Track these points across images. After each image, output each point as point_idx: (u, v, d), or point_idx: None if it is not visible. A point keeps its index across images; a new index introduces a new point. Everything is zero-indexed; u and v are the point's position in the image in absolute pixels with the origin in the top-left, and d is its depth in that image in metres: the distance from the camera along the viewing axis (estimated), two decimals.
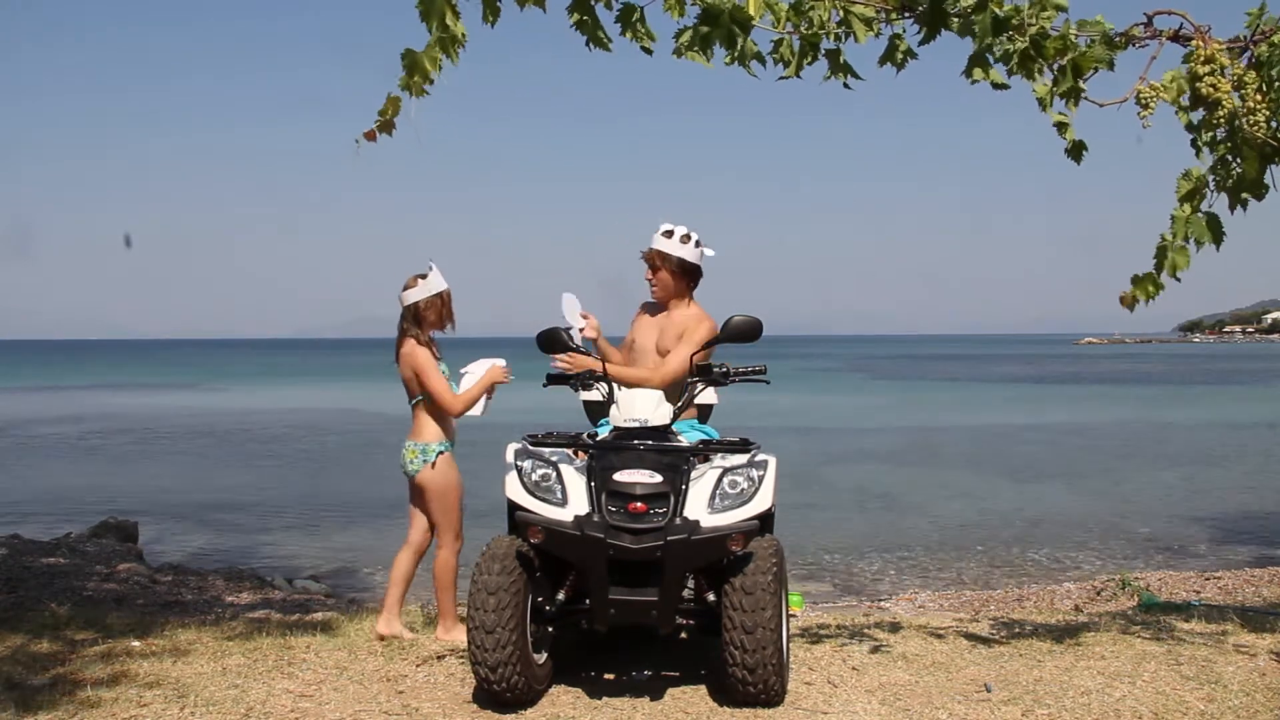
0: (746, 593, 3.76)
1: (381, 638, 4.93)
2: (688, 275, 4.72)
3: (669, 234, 4.67)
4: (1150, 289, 4.05)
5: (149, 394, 43.69)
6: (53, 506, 14.28)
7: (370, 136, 3.70)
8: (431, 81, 3.62)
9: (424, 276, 4.95)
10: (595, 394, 4.67)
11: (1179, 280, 4.04)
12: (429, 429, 4.93)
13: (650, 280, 4.74)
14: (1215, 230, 3.92)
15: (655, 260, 4.69)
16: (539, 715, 3.85)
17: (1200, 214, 3.91)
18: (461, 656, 4.53)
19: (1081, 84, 3.68)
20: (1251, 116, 3.60)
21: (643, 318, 4.86)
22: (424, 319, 4.93)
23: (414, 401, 4.96)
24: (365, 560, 10.28)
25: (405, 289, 4.94)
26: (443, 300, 4.96)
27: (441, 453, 4.91)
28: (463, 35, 3.59)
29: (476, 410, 5.01)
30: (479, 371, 5.03)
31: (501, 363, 5.04)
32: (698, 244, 4.70)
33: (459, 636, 4.84)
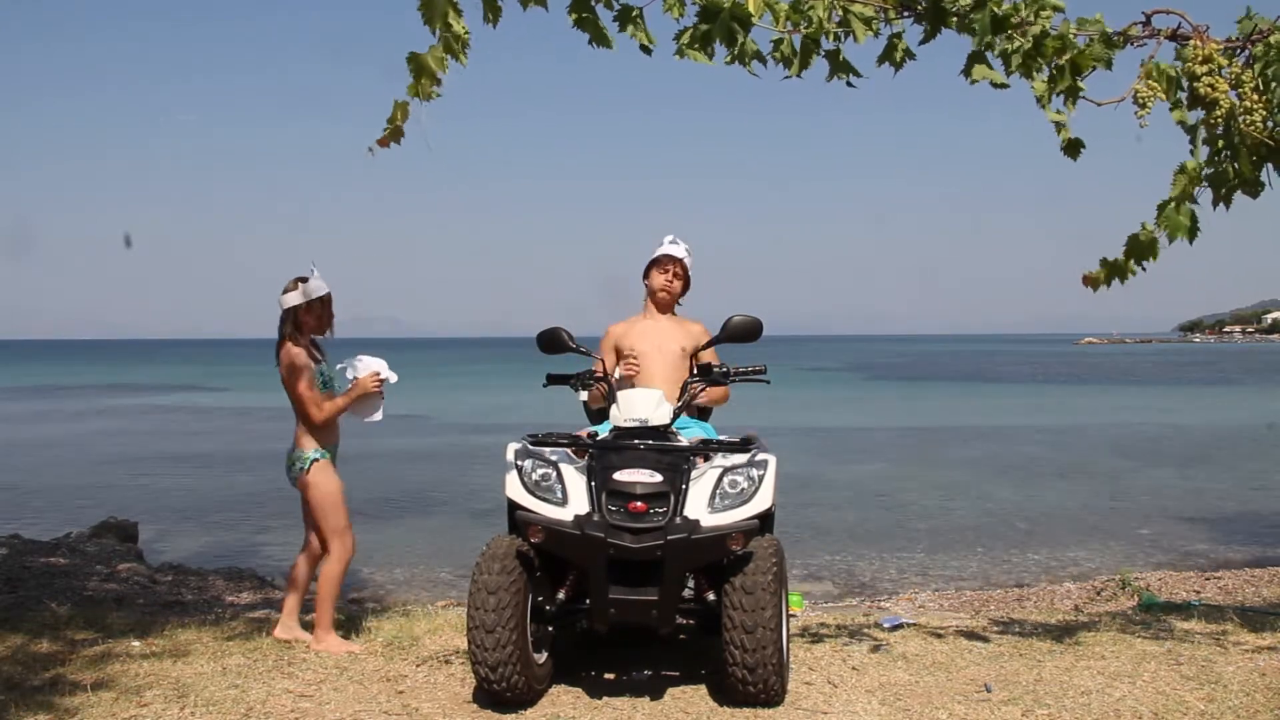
0: (746, 592, 3.76)
1: (281, 642, 4.93)
2: (689, 285, 4.97)
3: (678, 244, 4.91)
4: (1117, 274, 4.10)
5: (149, 394, 43.68)
6: (53, 506, 14.27)
7: (383, 144, 3.69)
8: (439, 83, 3.60)
9: (304, 280, 4.85)
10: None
11: (1145, 270, 4.07)
12: (305, 437, 4.87)
13: (668, 287, 4.87)
14: (1190, 226, 3.94)
15: (677, 269, 4.89)
16: (539, 715, 3.85)
17: (1177, 210, 3.92)
18: (462, 656, 4.53)
19: (1080, 83, 3.68)
20: (1248, 116, 3.60)
21: (644, 325, 4.85)
22: (303, 323, 4.84)
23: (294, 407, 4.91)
24: (364, 560, 10.27)
25: (285, 292, 4.84)
26: (323, 304, 4.87)
27: (316, 460, 4.85)
28: (466, 35, 3.58)
29: (375, 416, 4.96)
30: (361, 367, 4.95)
31: (375, 369, 4.91)
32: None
33: (330, 646, 4.80)
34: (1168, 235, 3.93)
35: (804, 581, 9.44)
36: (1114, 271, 4.12)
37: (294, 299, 4.82)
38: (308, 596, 5.13)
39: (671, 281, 4.86)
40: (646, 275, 4.92)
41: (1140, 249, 4.03)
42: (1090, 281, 4.16)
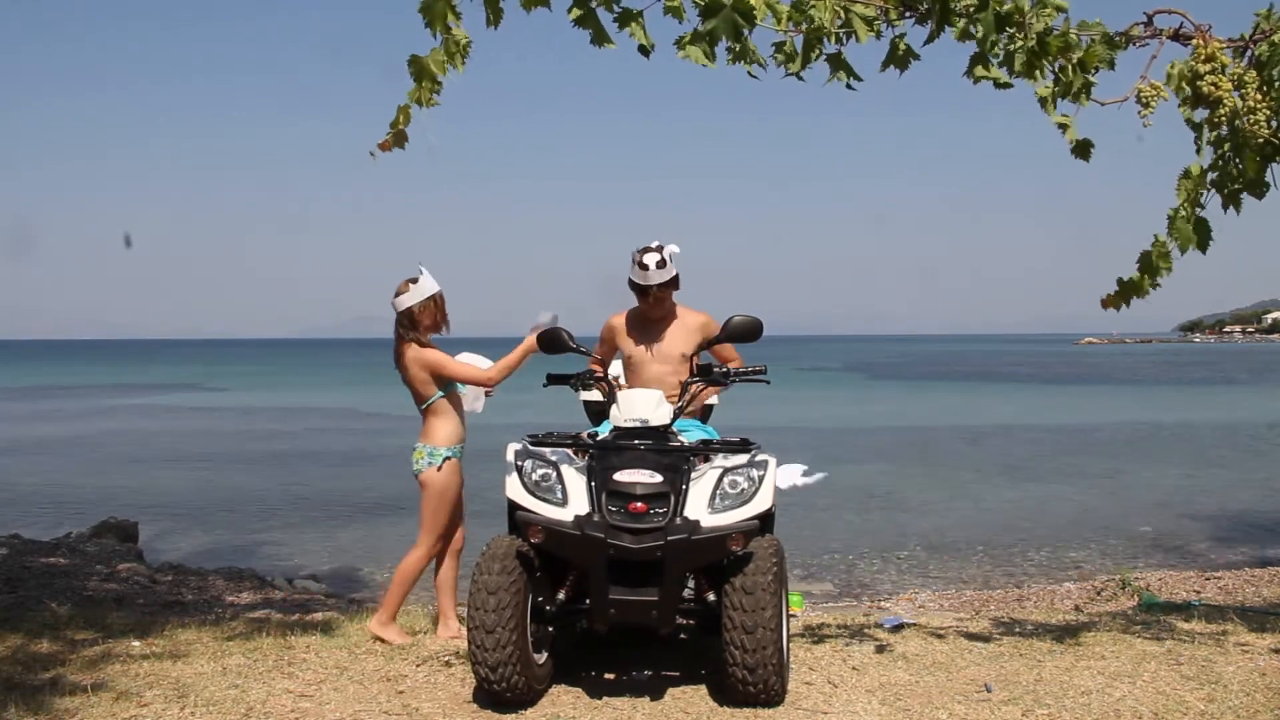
0: (747, 593, 3.75)
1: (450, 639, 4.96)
2: (677, 283, 4.69)
3: (659, 265, 4.56)
4: (1134, 293, 4.10)
5: (150, 394, 43.68)
6: (53, 506, 14.28)
7: (385, 147, 3.71)
8: (439, 88, 3.61)
9: (414, 281, 4.89)
10: (595, 394, 4.66)
11: (1160, 286, 4.08)
12: (440, 432, 4.89)
13: (650, 310, 4.69)
14: (1202, 235, 3.94)
15: (660, 292, 4.62)
16: (539, 715, 3.85)
17: (1187, 219, 3.92)
18: (462, 656, 4.53)
19: (1091, 78, 3.68)
20: (1252, 115, 3.60)
21: (643, 326, 4.81)
22: (419, 323, 4.88)
23: (424, 406, 4.92)
24: (365, 560, 10.26)
25: (397, 295, 4.89)
26: (436, 303, 4.91)
27: (449, 458, 4.87)
28: (466, 42, 3.58)
29: (477, 406, 5.01)
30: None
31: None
32: (669, 252, 4.62)
33: (391, 636, 4.87)
34: (1179, 247, 3.93)
35: (804, 581, 9.44)
36: (1130, 290, 4.12)
37: (408, 300, 4.87)
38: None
39: (654, 307, 4.68)
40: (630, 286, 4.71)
41: (1153, 265, 4.04)
42: (1109, 303, 4.17)
